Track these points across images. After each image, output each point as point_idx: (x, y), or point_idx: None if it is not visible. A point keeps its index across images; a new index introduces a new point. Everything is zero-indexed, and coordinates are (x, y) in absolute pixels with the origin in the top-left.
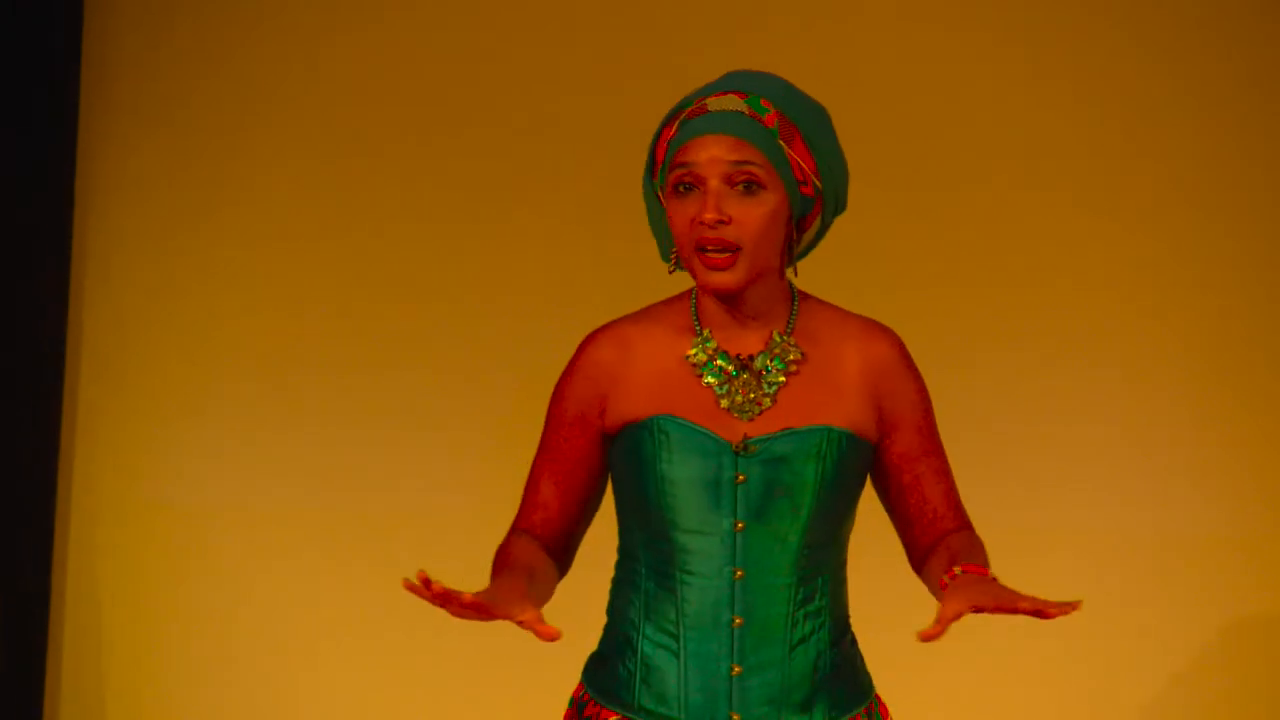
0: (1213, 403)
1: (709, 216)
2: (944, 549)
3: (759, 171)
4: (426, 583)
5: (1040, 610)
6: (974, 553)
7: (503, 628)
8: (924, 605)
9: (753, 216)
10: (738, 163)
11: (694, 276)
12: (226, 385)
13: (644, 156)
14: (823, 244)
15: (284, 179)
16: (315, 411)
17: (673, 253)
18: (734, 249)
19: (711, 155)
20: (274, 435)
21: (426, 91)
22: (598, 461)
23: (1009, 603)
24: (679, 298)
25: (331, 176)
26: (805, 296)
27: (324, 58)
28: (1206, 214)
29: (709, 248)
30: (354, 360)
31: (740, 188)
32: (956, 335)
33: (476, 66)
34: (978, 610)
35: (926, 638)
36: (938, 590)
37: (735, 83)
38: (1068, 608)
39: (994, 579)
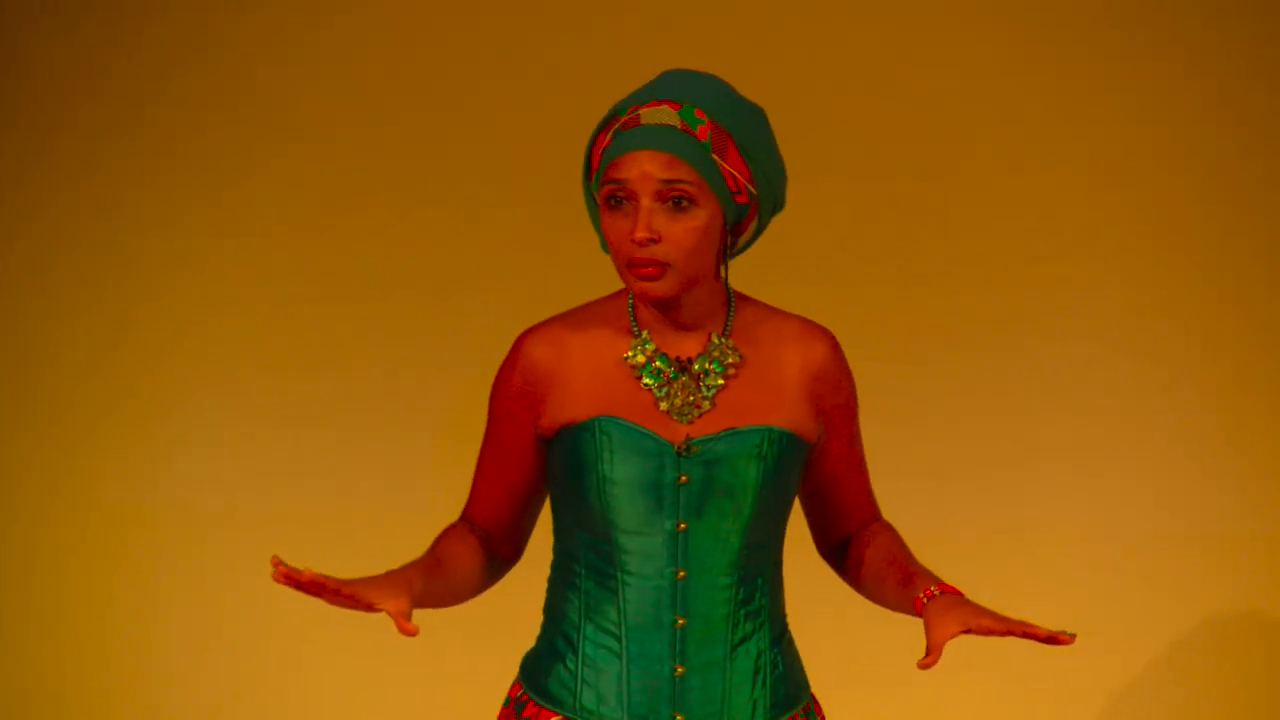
0: (1217, 398)
1: (640, 235)
2: (882, 553)
3: (690, 188)
4: (278, 566)
5: (1032, 634)
6: (911, 556)
7: (435, 628)
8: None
9: (683, 232)
10: (669, 181)
11: (627, 285)
12: (203, 386)
13: None
14: (833, 240)
15: (267, 176)
16: (304, 411)
17: None
18: (664, 265)
19: (643, 171)
20: (262, 435)
21: (414, 90)
22: (537, 458)
23: (1001, 626)
24: (616, 296)
25: (315, 172)
26: (742, 298)
27: (294, 57)
28: (1213, 205)
29: (638, 264)
30: (346, 359)
31: (671, 204)
32: (958, 331)
33: (447, 66)
34: (968, 633)
35: (925, 666)
36: (886, 595)
37: (670, 89)
38: (1062, 637)
39: (964, 596)
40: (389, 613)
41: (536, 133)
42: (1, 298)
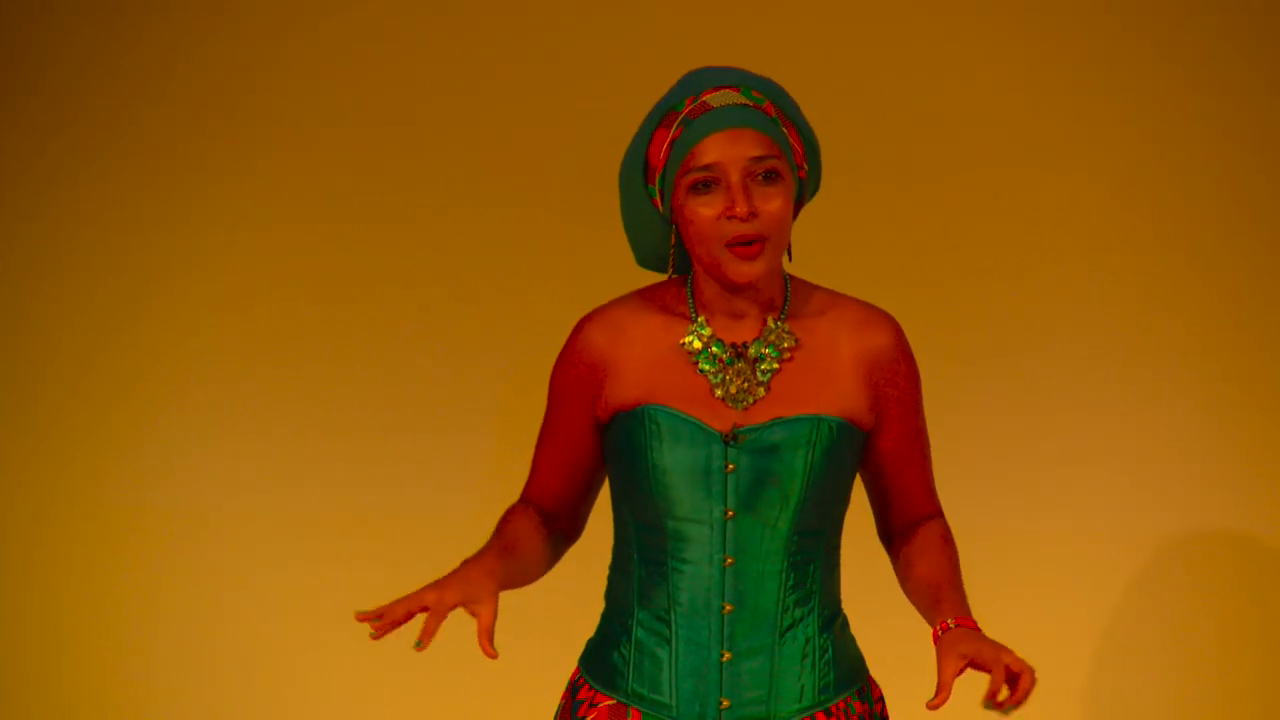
0: (1219, 400)
1: (741, 210)
2: (928, 568)
3: (777, 162)
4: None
5: (1017, 676)
6: (952, 574)
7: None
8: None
9: (775, 206)
10: (758, 157)
11: (717, 273)
12: (207, 384)
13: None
14: (838, 234)
15: (267, 174)
16: (308, 411)
17: (669, 258)
18: (763, 239)
19: (732, 150)
20: (265, 434)
21: (415, 84)
22: (595, 441)
23: (999, 665)
24: (674, 281)
25: (316, 170)
26: (799, 282)
27: (298, 54)
28: (1216, 207)
29: (740, 241)
30: (351, 359)
31: (761, 179)
32: (962, 331)
33: (460, 60)
34: (972, 666)
35: (933, 706)
36: (921, 611)
37: (720, 78)
38: (1014, 698)
39: (980, 631)
40: (478, 624)
41: (554, 130)
42: (2, 298)
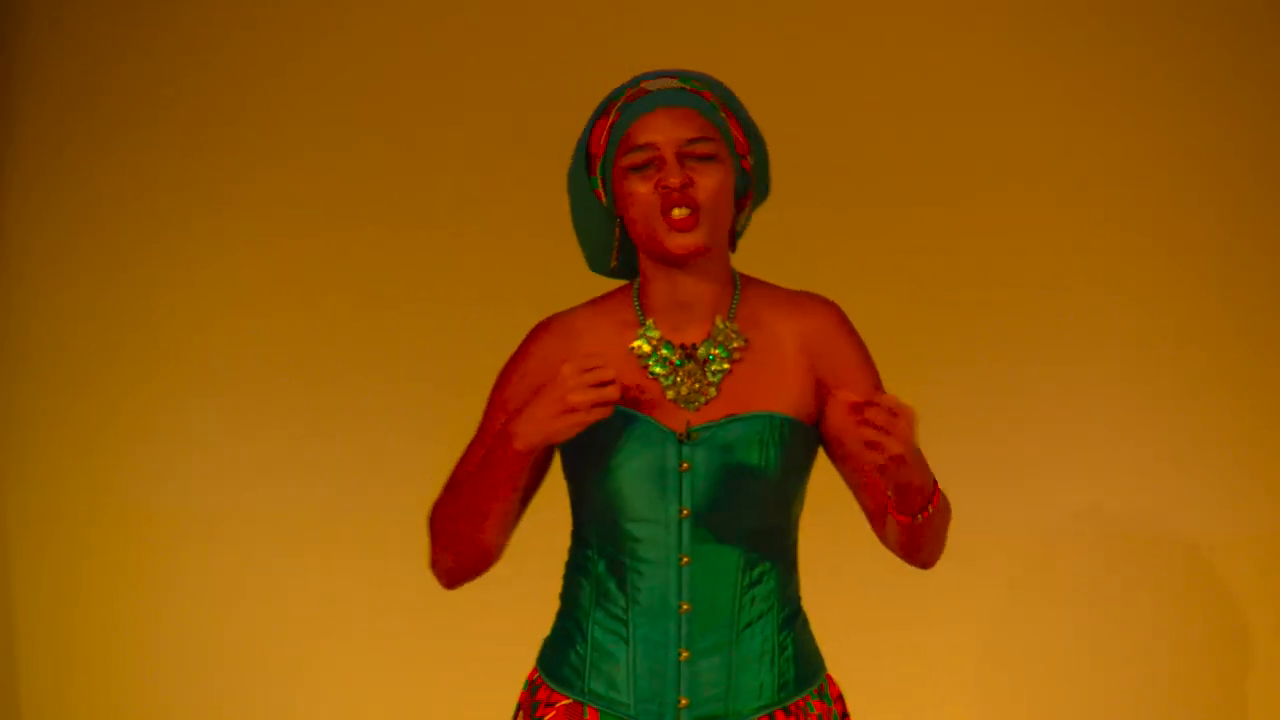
0: (1213, 402)
1: (674, 180)
2: None
3: (711, 145)
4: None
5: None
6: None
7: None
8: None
9: (711, 182)
10: (693, 139)
11: (655, 248)
12: (213, 387)
13: None
14: (827, 241)
15: (265, 181)
16: (308, 414)
17: (613, 251)
18: (696, 207)
19: (666, 131)
20: (267, 437)
21: (420, 94)
22: (538, 453)
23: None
24: (621, 290)
25: (320, 178)
26: (746, 279)
27: (303, 62)
28: (1207, 209)
29: (674, 209)
30: (347, 361)
31: (697, 160)
32: (953, 335)
33: (451, 72)
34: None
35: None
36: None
37: (657, 73)
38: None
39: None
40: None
41: (547, 143)
42: (9, 301)
